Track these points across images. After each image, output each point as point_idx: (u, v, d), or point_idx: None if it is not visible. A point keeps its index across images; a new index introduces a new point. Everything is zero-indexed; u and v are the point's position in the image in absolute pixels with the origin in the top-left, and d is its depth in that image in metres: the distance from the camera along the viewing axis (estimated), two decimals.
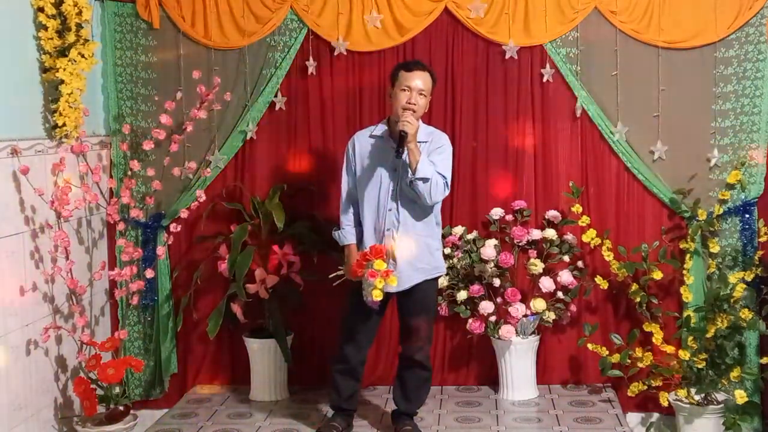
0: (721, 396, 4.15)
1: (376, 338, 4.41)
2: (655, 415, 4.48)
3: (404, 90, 3.67)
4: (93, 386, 3.98)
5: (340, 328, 3.90)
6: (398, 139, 3.57)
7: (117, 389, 4.03)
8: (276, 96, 4.60)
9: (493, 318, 4.40)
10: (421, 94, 3.68)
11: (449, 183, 3.73)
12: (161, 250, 4.46)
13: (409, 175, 3.61)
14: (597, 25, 4.39)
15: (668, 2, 4.31)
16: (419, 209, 3.75)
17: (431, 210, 3.80)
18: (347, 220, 3.88)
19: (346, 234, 3.87)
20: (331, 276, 3.89)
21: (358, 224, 3.87)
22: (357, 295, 3.71)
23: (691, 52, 4.33)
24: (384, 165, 3.75)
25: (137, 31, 4.59)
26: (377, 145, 3.80)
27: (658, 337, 4.25)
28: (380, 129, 3.84)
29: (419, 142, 3.70)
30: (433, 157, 3.70)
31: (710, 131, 4.35)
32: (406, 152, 3.58)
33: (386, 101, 4.57)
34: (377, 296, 3.57)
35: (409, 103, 3.64)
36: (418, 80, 3.69)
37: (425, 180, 3.58)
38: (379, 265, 3.56)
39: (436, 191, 3.63)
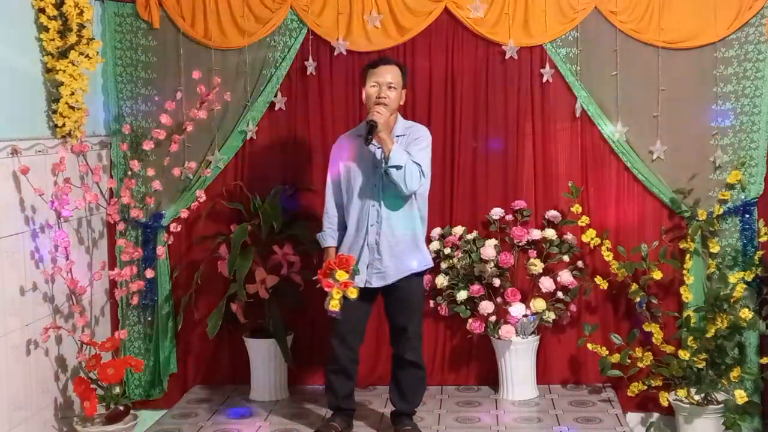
0: (721, 396, 4.15)
1: (374, 338, 4.43)
2: (655, 415, 4.48)
3: (373, 86, 3.74)
4: (93, 386, 3.98)
5: (331, 328, 3.93)
6: (367, 128, 3.63)
7: (117, 389, 4.03)
8: (276, 96, 4.60)
9: (493, 318, 4.40)
10: (390, 87, 3.73)
11: (426, 172, 3.73)
12: (161, 250, 4.46)
13: (383, 165, 3.65)
14: (597, 25, 4.40)
15: (668, 2, 4.31)
16: (403, 203, 3.77)
17: (415, 204, 3.80)
18: (329, 222, 3.92)
19: (326, 237, 3.92)
20: (314, 278, 3.90)
21: (342, 228, 3.90)
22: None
23: (691, 52, 4.33)
24: (366, 162, 3.79)
25: (137, 31, 4.59)
26: (359, 144, 3.82)
27: (658, 337, 4.25)
28: (361, 128, 3.86)
29: (398, 135, 3.76)
30: (411, 147, 3.74)
31: (710, 131, 4.35)
32: (378, 144, 3.66)
33: None
34: (334, 306, 3.57)
35: (379, 97, 3.69)
36: (386, 74, 3.73)
37: (398, 167, 3.61)
38: (341, 275, 3.56)
39: (411, 179, 3.64)
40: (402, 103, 3.85)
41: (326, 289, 3.59)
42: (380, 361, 4.67)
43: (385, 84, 3.72)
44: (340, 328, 3.83)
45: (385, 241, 3.75)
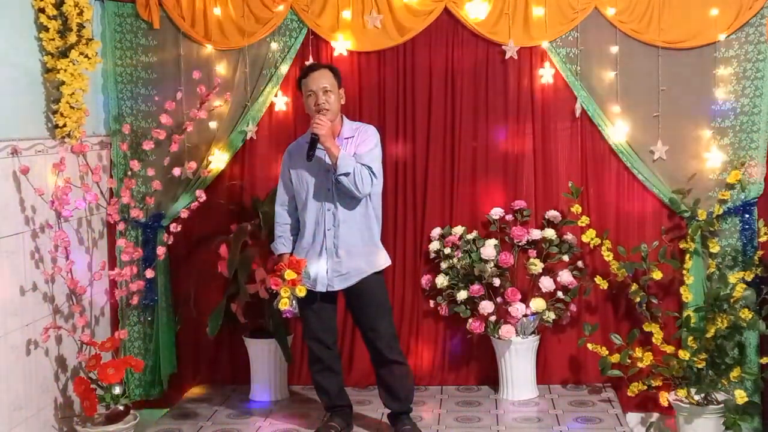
0: (721, 396, 4.15)
1: None
2: (655, 415, 4.48)
3: (309, 95, 3.74)
4: (93, 386, 3.98)
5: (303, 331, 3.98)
6: (309, 142, 3.65)
7: (117, 389, 4.03)
8: (276, 96, 4.60)
9: (493, 318, 4.40)
10: (326, 91, 3.72)
11: (377, 172, 3.74)
12: (161, 250, 4.46)
13: (333, 172, 3.67)
14: (597, 25, 4.40)
15: (668, 2, 4.31)
16: (357, 205, 3.77)
17: (370, 204, 3.81)
18: (281, 230, 3.93)
19: (277, 245, 3.93)
20: (268, 288, 3.93)
21: (295, 234, 3.91)
22: (303, 300, 3.74)
23: (691, 52, 4.33)
24: (318, 168, 3.78)
25: (137, 31, 4.59)
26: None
27: (658, 337, 4.25)
28: (309, 136, 3.81)
29: (346, 138, 3.77)
30: (361, 149, 3.74)
31: (710, 131, 4.35)
32: (323, 152, 3.67)
33: (385, 101, 4.59)
34: (284, 305, 3.62)
35: (318, 105, 3.69)
36: (318, 80, 3.73)
37: (347, 174, 3.62)
38: (289, 275, 3.61)
39: (362, 183, 3.65)
40: (343, 103, 3.84)
41: (273, 288, 3.65)
42: None
43: (321, 90, 3.71)
44: (312, 328, 3.87)
45: (344, 243, 3.76)
